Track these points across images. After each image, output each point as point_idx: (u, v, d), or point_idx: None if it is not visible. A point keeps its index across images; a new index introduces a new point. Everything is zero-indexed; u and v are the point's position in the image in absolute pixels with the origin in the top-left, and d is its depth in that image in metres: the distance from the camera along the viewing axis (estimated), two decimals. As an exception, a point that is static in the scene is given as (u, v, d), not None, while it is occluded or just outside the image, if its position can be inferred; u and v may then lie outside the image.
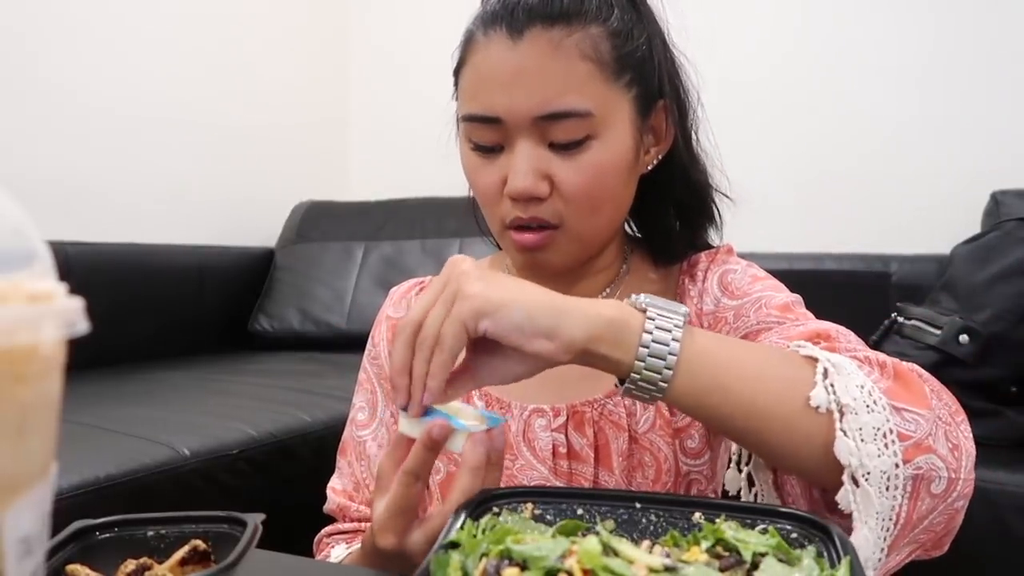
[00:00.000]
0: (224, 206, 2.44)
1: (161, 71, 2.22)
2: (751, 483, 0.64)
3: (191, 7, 2.31)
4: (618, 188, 0.69)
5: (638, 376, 0.53)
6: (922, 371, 0.59)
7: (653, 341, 0.53)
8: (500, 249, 0.87)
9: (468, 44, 0.69)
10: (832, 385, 0.53)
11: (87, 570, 0.50)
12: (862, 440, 0.51)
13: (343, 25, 2.90)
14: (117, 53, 2.10)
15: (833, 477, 0.53)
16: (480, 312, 0.52)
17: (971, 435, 0.56)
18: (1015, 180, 1.86)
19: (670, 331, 0.53)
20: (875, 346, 1.56)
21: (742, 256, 0.79)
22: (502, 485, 0.71)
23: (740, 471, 0.64)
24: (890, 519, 0.51)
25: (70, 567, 0.50)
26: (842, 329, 0.64)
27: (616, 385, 0.58)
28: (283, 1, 2.67)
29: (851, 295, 1.99)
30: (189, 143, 2.30)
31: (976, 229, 1.78)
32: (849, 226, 2.14)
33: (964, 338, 1.40)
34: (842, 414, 0.52)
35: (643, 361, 0.53)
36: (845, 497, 0.52)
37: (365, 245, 2.39)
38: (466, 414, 0.58)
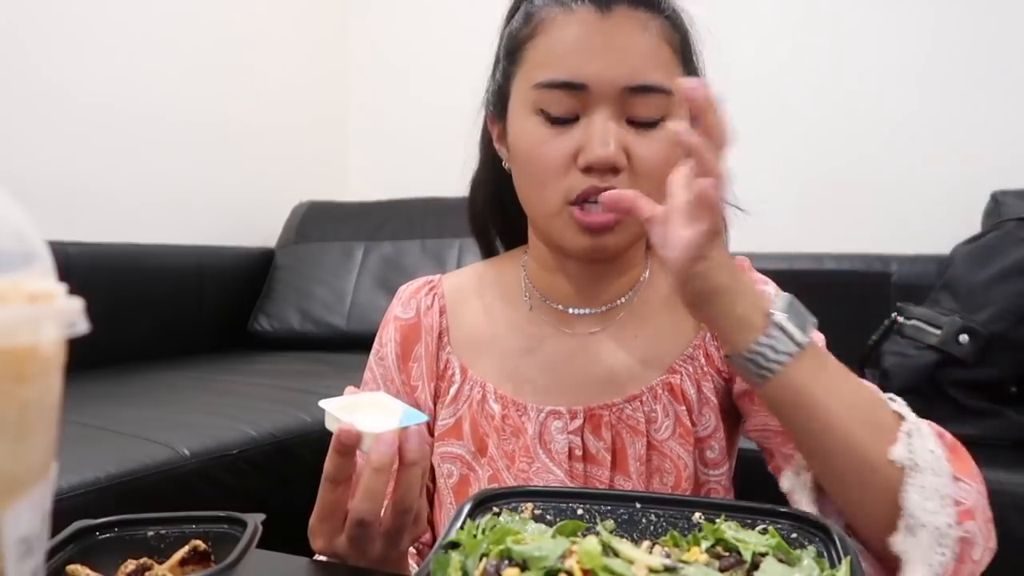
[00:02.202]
0: (224, 206, 2.44)
1: (161, 71, 2.22)
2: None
3: (191, 7, 2.31)
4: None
5: (736, 361, 0.59)
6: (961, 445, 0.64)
7: (759, 354, 0.58)
8: (484, 256, 0.87)
9: (536, 21, 0.69)
10: (912, 445, 0.58)
11: (87, 570, 0.50)
12: (926, 498, 0.56)
13: (343, 25, 2.89)
14: (117, 53, 2.10)
15: (885, 523, 0.58)
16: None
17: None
18: (1015, 180, 1.86)
19: (777, 354, 0.58)
20: (875, 346, 1.56)
21: (741, 256, 0.79)
22: (504, 484, 0.72)
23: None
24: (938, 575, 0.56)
25: (70, 567, 0.50)
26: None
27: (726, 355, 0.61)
28: (283, 1, 2.67)
29: (851, 295, 1.99)
30: (189, 143, 2.30)
31: (976, 229, 1.78)
32: (849, 226, 2.14)
33: (964, 338, 1.40)
34: (914, 472, 0.57)
35: (742, 359, 0.58)
36: (901, 543, 0.56)
37: (365, 245, 2.39)
38: (389, 409, 0.58)
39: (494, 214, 0.84)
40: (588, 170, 0.66)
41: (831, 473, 0.61)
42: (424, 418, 0.58)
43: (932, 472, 0.57)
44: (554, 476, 0.72)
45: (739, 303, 0.58)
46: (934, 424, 0.62)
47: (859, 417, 0.59)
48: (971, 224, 1.86)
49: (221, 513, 0.55)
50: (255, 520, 0.53)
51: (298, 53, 2.73)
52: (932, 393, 1.43)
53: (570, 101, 0.66)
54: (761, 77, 2.22)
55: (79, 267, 1.83)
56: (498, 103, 0.74)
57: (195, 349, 2.16)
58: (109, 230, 2.01)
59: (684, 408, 0.73)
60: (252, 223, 2.51)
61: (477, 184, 0.83)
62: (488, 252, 0.87)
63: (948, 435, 0.62)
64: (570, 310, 0.77)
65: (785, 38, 2.22)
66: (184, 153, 2.29)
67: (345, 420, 0.56)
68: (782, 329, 0.57)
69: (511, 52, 0.71)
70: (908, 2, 2.09)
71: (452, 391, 0.77)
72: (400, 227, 2.42)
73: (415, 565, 0.74)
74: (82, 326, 0.28)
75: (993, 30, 2.00)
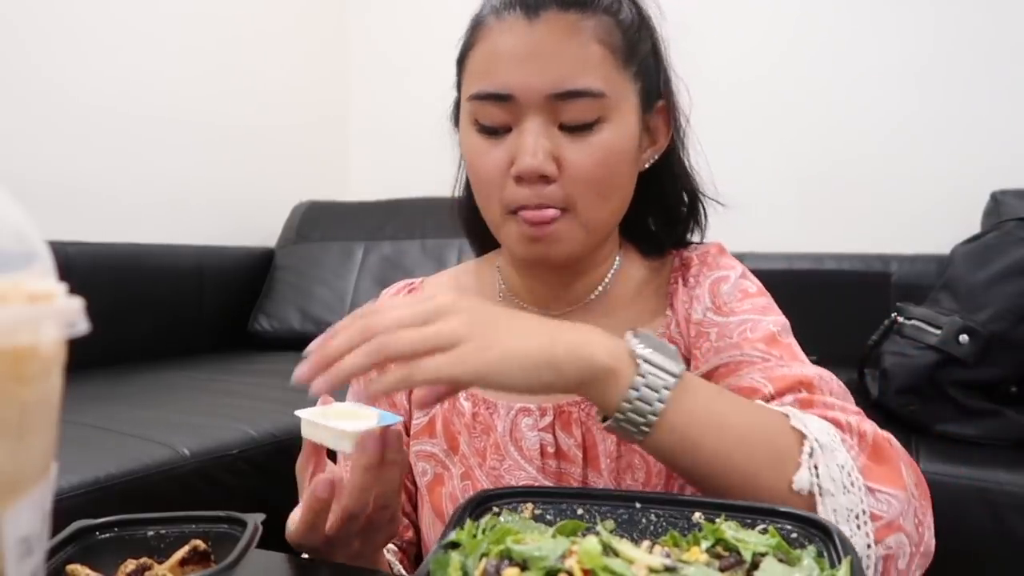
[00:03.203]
0: (224, 206, 2.44)
1: (161, 71, 2.22)
2: None
3: (191, 7, 2.31)
4: (624, 175, 0.69)
5: (618, 420, 0.55)
6: (894, 441, 0.60)
7: (638, 399, 0.54)
8: (477, 255, 0.87)
9: (477, 29, 0.69)
10: (816, 467, 0.54)
11: (87, 570, 0.50)
12: (836, 521, 0.52)
13: (343, 25, 2.90)
14: (118, 53, 2.10)
15: None
16: (478, 375, 0.51)
17: (931, 508, 0.59)
18: (1015, 180, 1.86)
19: (657, 392, 0.54)
20: (875, 346, 1.56)
21: (742, 256, 0.79)
22: (494, 486, 0.72)
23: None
24: None
25: (70, 567, 0.50)
26: (825, 375, 0.66)
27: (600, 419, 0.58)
28: (283, 1, 2.67)
29: (851, 295, 1.99)
30: (189, 143, 2.30)
31: (976, 229, 1.78)
32: (849, 226, 2.14)
33: (964, 338, 1.40)
34: (821, 496, 0.54)
35: (623, 414, 0.54)
36: None
37: (365, 245, 2.39)
38: (364, 415, 0.59)
39: (478, 217, 0.83)
40: (519, 180, 0.66)
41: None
42: (399, 419, 0.59)
43: (843, 491, 0.54)
44: (526, 473, 0.73)
45: (591, 390, 0.54)
46: (855, 419, 0.59)
47: (752, 449, 0.55)
48: (971, 224, 1.86)
49: (221, 513, 0.55)
50: (255, 520, 0.53)
51: (298, 53, 2.73)
52: (932, 393, 1.43)
53: (500, 112, 0.66)
54: (761, 77, 2.22)
55: (79, 267, 1.83)
56: (455, 111, 0.75)
57: (195, 349, 2.16)
58: (109, 230, 2.01)
59: None
60: (252, 223, 2.51)
61: (465, 185, 0.83)
62: (482, 251, 0.87)
63: (871, 430, 0.59)
64: (538, 310, 0.77)
65: (785, 38, 2.22)
66: (184, 153, 2.29)
67: (323, 424, 0.57)
68: (650, 363, 0.54)
69: (459, 61, 0.72)
70: (908, 2, 2.09)
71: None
72: (400, 227, 2.42)
73: (396, 562, 0.75)
74: (82, 326, 0.28)
75: (993, 30, 2.00)
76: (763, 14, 2.24)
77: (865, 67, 2.13)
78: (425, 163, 2.63)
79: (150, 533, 0.55)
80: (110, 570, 0.51)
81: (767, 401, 0.63)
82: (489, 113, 0.66)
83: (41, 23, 1.92)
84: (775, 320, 0.71)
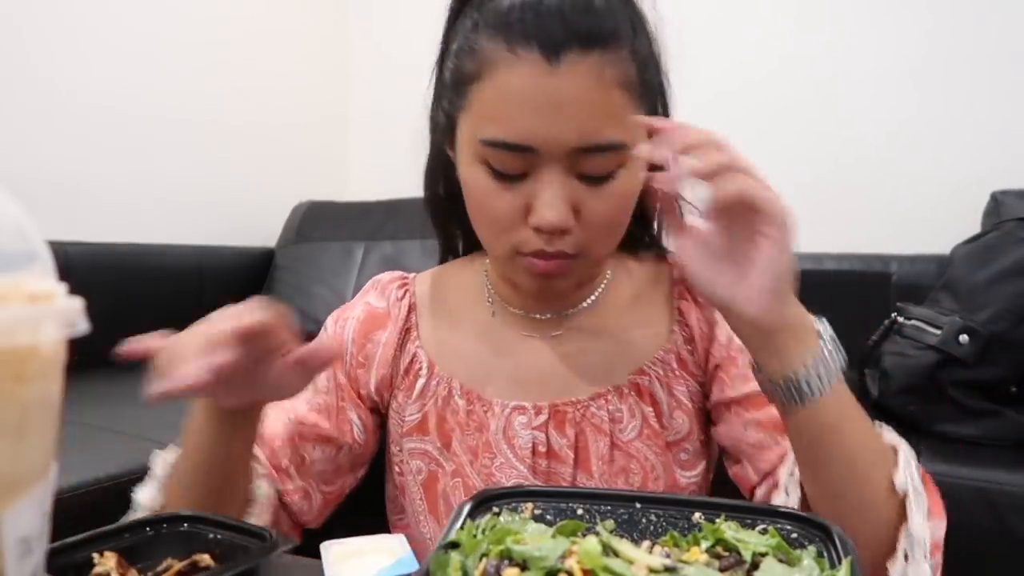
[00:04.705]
0: (224, 206, 2.44)
1: (161, 71, 2.22)
2: None
3: (191, 7, 2.31)
4: (631, 209, 0.69)
5: (793, 379, 0.57)
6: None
7: (819, 365, 0.57)
8: (444, 257, 0.87)
9: (484, 60, 0.63)
10: (910, 471, 0.60)
11: (113, 562, 0.50)
12: (924, 522, 0.58)
13: (343, 25, 2.89)
14: (117, 53, 2.09)
15: (882, 549, 0.58)
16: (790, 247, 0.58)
17: None
18: (1015, 180, 1.86)
19: (832, 368, 0.58)
20: (875, 346, 1.56)
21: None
22: (485, 484, 0.72)
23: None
24: None
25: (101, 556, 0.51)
26: None
27: (760, 374, 0.60)
28: (283, 1, 2.67)
29: (851, 295, 1.99)
30: (189, 143, 2.30)
31: (976, 229, 1.78)
32: (849, 226, 2.14)
33: (964, 338, 1.40)
34: (915, 499, 0.59)
35: (802, 373, 0.57)
36: (902, 570, 0.57)
37: (365, 245, 2.39)
38: (381, 549, 0.53)
39: (454, 217, 0.82)
40: (538, 230, 0.64)
41: (836, 500, 0.60)
42: (414, 568, 0.51)
43: (924, 499, 0.59)
44: (517, 472, 0.72)
45: (798, 326, 0.58)
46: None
47: (872, 445, 0.60)
48: (971, 224, 1.86)
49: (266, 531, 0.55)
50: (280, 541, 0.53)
51: (298, 53, 2.73)
52: (932, 393, 1.43)
53: (516, 160, 0.62)
54: (760, 77, 2.22)
55: (79, 267, 1.83)
56: (446, 129, 0.70)
57: (195, 349, 2.16)
58: (109, 230, 2.01)
59: (652, 410, 0.73)
60: (252, 223, 2.51)
61: (434, 181, 0.81)
62: (448, 250, 0.86)
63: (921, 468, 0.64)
64: (533, 315, 0.77)
65: (784, 38, 2.21)
66: (184, 153, 2.29)
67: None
68: (830, 351, 0.57)
69: (456, 85, 0.66)
70: (908, 2, 2.09)
71: (419, 385, 0.77)
72: (400, 227, 2.42)
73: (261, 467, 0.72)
74: (82, 326, 0.28)
75: (993, 30, 2.00)
76: (763, 14, 2.24)
77: (865, 67, 2.13)
78: (425, 163, 2.64)
79: (210, 536, 0.56)
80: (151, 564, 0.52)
81: None
82: (504, 160, 0.63)
83: (41, 23, 1.92)
84: None
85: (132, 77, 2.13)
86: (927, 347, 1.44)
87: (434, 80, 0.74)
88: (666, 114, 0.72)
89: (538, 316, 0.77)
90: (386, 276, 0.84)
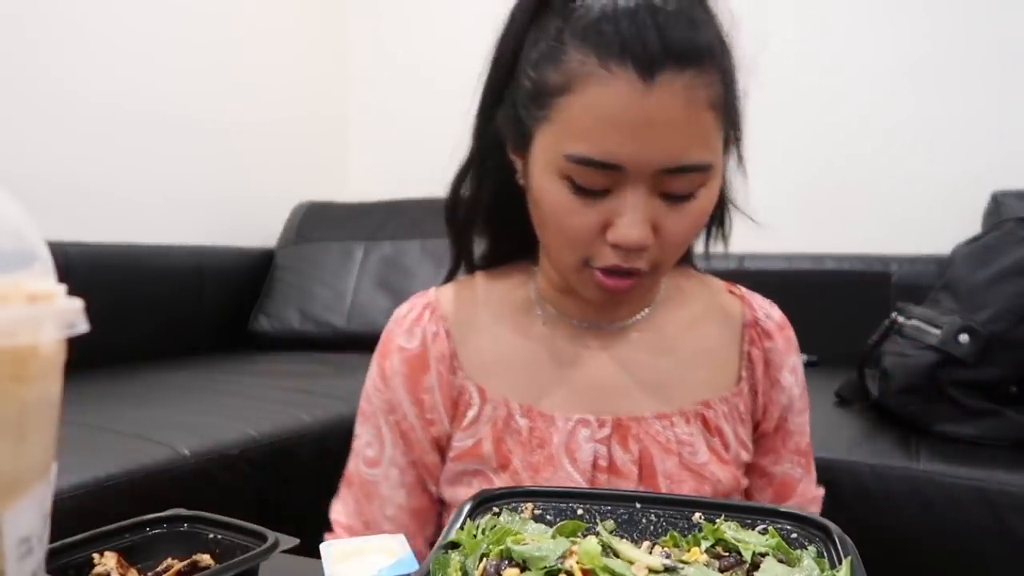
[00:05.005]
0: (224, 206, 2.44)
1: (161, 71, 2.22)
2: None
3: (191, 7, 2.31)
4: (704, 226, 0.69)
5: None
6: None
7: None
8: (456, 267, 0.82)
9: (575, 74, 0.60)
10: None
11: (113, 562, 0.50)
12: None
13: (343, 25, 2.89)
14: (117, 53, 2.09)
15: None
16: None
17: None
18: (1015, 180, 1.86)
19: None
20: (875, 346, 1.56)
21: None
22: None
23: None
24: None
25: (101, 557, 0.51)
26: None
27: None
28: (283, 1, 2.67)
29: (851, 295, 1.99)
30: (189, 143, 2.30)
31: (976, 229, 1.78)
32: (849, 226, 2.14)
33: (964, 338, 1.40)
34: None
35: None
36: None
37: (365, 245, 2.39)
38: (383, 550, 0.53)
39: (493, 225, 0.79)
40: (616, 247, 0.63)
41: None
42: (414, 568, 0.51)
43: None
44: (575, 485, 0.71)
45: None
46: None
47: None
48: (971, 224, 1.86)
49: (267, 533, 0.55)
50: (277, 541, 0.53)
51: (298, 53, 2.73)
52: (932, 393, 1.43)
53: (601, 177, 0.61)
54: (760, 77, 2.22)
55: (79, 267, 1.83)
56: (519, 136, 0.68)
57: (195, 349, 2.16)
58: (109, 230, 2.01)
59: (718, 440, 0.73)
60: (252, 223, 2.51)
61: (476, 189, 0.77)
62: (461, 259, 0.82)
63: None
64: (586, 325, 0.76)
65: (784, 38, 2.21)
66: (184, 153, 2.29)
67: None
68: None
69: (538, 95, 0.64)
70: (908, 2, 2.09)
71: (471, 414, 0.74)
72: (400, 227, 2.42)
73: None
74: (82, 326, 0.28)
75: (993, 30, 2.00)
76: (762, 14, 2.23)
77: (865, 67, 2.13)
78: (425, 163, 2.63)
79: (210, 535, 0.56)
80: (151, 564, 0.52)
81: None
82: (589, 177, 0.62)
83: (41, 24, 1.92)
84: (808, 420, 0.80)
85: (132, 77, 2.13)
86: (927, 347, 1.44)
87: (488, 82, 0.71)
88: (740, 133, 0.71)
89: (591, 326, 0.75)
90: (411, 312, 0.78)
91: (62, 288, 0.28)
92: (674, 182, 0.61)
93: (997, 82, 1.99)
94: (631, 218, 0.61)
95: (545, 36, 0.64)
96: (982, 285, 1.46)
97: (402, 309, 0.79)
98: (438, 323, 0.76)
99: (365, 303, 2.27)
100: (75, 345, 0.29)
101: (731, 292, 0.80)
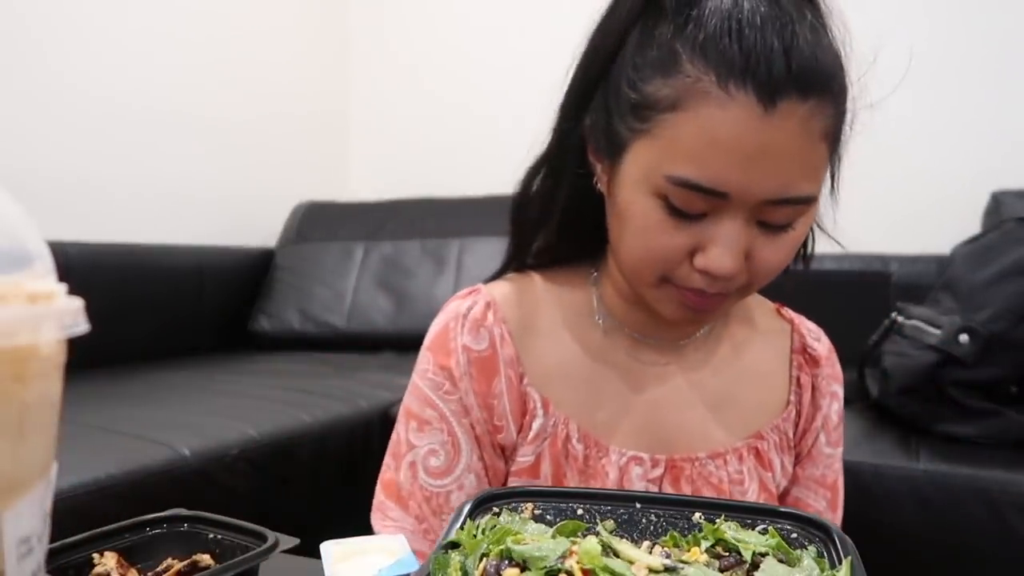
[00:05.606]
0: (224, 206, 2.44)
1: (161, 71, 2.22)
2: None
3: (192, 6, 2.31)
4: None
5: None
6: None
7: None
8: (508, 266, 0.79)
9: (688, 91, 0.56)
10: None
11: (113, 562, 0.50)
12: None
13: (344, 24, 2.90)
14: (117, 52, 2.10)
15: None
16: None
17: None
18: (1015, 180, 1.86)
19: None
20: (875, 346, 1.56)
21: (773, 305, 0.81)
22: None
23: None
24: None
25: (101, 557, 0.51)
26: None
27: None
28: (283, 1, 2.67)
29: (851, 295, 1.99)
30: (189, 143, 2.30)
31: (976, 229, 1.78)
32: (849, 226, 2.14)
33: (964, 338, 1.40)
34: None
35: None
36: None
37: (365, 245, 2.39)
38: (383, 551, 0.53)
39: (562, 226, 0.73)
40: (703, 272, 0.60)
41: None
42: (413, 569, 0.51)
43: None
44: None
45: None
46: None
47: None
48: (971, 224, 1.86)
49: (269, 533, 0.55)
50: (279, 541, 0.53)
51: (299, 53, 2.73)
52: (932, 393, 1.43)
53: (702, 203, 0.58)
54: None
55: (79, 267, 1.83)
56: (609, 145, 0.63)
57: (195, 349, 2.16)
58: (109, 230, 2.01)
59: (770, 475, 0.73)
60: (252, 223, 2.51)
61: (552, 188, 0.72)
62: (520, 260, 0.78)
63: None
64: (643, 338, 0.74)
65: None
66: (184, 152, 2.29)
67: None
68: None
69: (640, 107, 0.59)
70: (907, 2, 2.09)
71: (535, 426, 0.71)
72: (400, 227, 2.42)
73: None
74: (82, 326, 0.28)
75: (993, 31, 2.00)
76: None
77: (864, 67, 2.13)
78: (425, 163, 2.64)
79: (210, 535, 0.56)
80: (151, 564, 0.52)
81: None
82: (688, 200, 0.58)
83: (40, 23, 1.92)
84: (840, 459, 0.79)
85: (132, 77, 2.13)
86: (927, 347, 1.44)
87: (577, 79, 0.67)
88: (841, 161, 0.69)
89: (648, 340, 0.74)
90: (475, 309, 0.72)
91: (62, 288, 0.28)
92: (776, 213, 0.59)
93: (996, 81, 1.99)
94: (724, 248, 0.58)
95: (654, 41, 0.59)
96: (982, 285, 1.46)
97: (461, 306, 0.73)
98: (500, 324, 0.72)
99: (365, 303, 2.27)
100: (75, 345, 0.29)
101: (780, 314, 0.79)
